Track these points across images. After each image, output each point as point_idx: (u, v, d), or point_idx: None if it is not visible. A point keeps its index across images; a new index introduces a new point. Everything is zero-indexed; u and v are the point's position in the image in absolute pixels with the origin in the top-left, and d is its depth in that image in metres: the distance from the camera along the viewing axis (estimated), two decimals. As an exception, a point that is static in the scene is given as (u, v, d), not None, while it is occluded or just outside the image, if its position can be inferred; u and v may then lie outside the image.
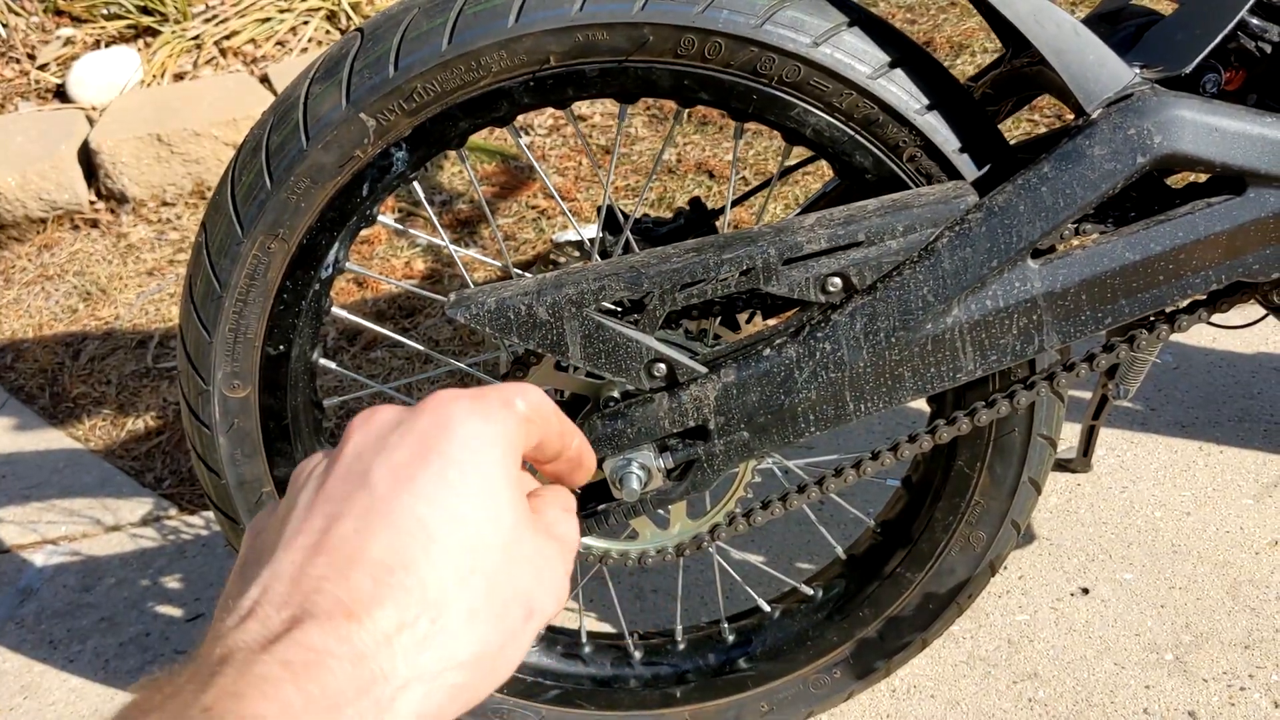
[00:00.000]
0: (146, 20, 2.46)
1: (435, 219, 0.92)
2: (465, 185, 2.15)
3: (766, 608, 1.01)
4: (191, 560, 1.35)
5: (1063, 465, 1.30)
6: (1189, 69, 0.75)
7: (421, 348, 1.01)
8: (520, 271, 0.89)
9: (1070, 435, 1.26)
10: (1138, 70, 0.76)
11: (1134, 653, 1.08)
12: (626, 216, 0.93)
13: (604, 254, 0.93)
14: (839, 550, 1.00)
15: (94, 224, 2.11)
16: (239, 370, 0.86)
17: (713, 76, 0.78)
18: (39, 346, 1.80)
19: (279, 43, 2.44)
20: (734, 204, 1.02)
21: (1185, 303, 0.80)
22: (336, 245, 0.84)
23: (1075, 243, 0.78)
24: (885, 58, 0.78)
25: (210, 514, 1.41)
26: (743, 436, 0.80)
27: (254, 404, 0.87)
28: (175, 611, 1.27)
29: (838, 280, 0.77)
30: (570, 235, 1.91)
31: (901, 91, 0.78)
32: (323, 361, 0.91)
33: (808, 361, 0.78)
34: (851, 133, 0.79)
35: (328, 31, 2.47)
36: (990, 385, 0.85)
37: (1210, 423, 1.35)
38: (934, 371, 0.79)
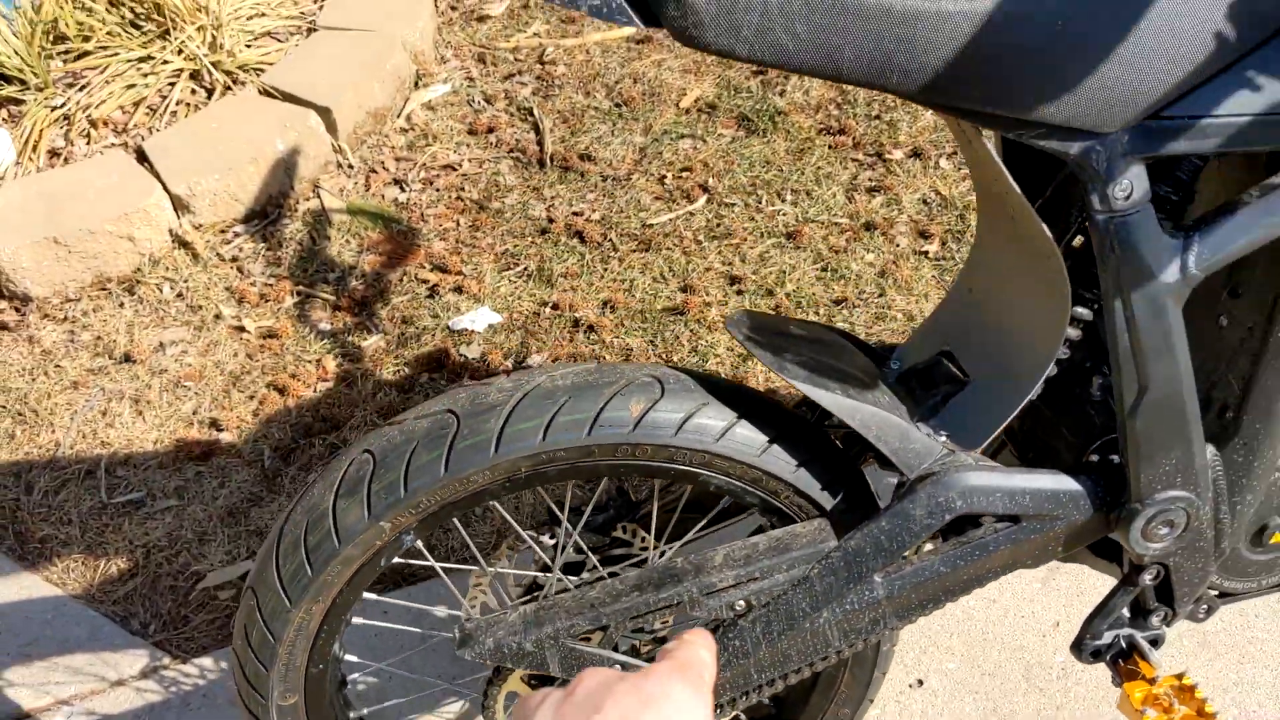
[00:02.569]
0: (7, 89, 2.49)
1: (435, 563, 1.16)
2: (353, 257, 2.33)
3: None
4: (197, 712, 1.60)
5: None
6: (979, 450, 1.06)
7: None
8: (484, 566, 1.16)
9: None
10: (942, 441, 1.06)
11: (957, 736, 1.46)
12: (560, 523, 1.18)
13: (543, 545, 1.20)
14: (741, 715, 1.33)
15: (3, 326, 2.22)
16: (289, 688, 1.12)
17: (643, 465, 1.05)
18: (-13, 478, 1.96)
19: (149, 108, 2.51)
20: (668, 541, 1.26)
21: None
22: (358, 592, 1.10)
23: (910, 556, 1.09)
24: (765, 439, 1.06)
25: (204, 662, 1.66)
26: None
27: (301, 706, 1.14)
28: (197, 766, 1.54)
29: (743, 603, 1.07)
30: (466, 322, 2.14)
31: (778, 459, 1.06)
32: (349, 658, 1.17)
33: (723, 653, 1.09)
34: (744, 486, 1.08)
35: (193, 91, 2.55)
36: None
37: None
38: (812, 651, 1.10)
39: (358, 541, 1.04)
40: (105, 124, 2.50)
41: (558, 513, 1.21)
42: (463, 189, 2.48)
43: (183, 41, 2.54)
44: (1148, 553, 1.08)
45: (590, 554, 1.17)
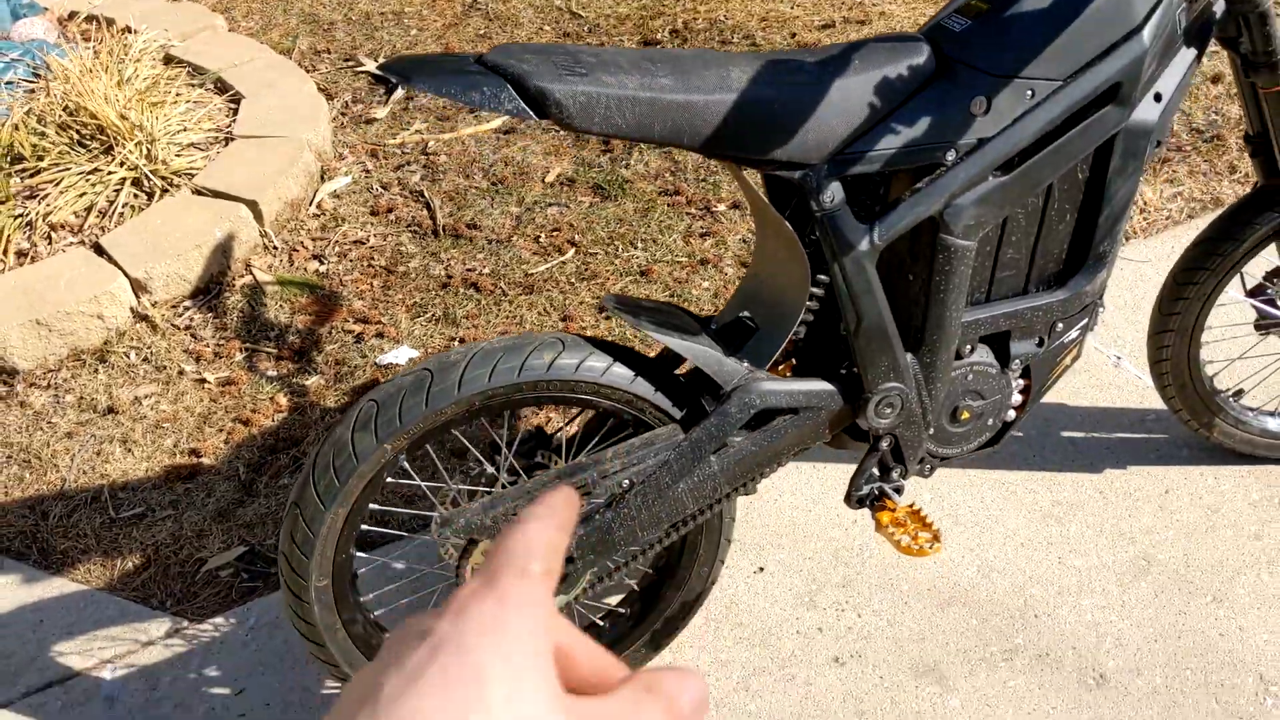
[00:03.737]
0: (-27, 204, 2.94)
1: (419, 481, 1.69)
2: (287, 318, 2.84)
3: (600, 622, 1.89)
4: (217, 655, 2.07)
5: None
6: (766, 367, 1.65)
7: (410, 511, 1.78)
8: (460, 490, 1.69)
9: (742, 477, 2.19)
10: (744, 366, 1.64)
11: (789, 601, 2.04)
12: (504, 446, 1.74)
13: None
14: (634, 585, 1.88)
15: (-5, 396, 2.66)
16: (322, 573, 1.63)
17: (555, 396, 1.61)
18: (6, 513, 2.39)
19: (99, 212, 2.99)
20: (573, 451, 1.83)
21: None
22: (368, 500, 1.62)
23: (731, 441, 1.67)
24: (632, 374, 1.63)
25: (216, 620, 2.13)
26: (590, 559, 1.66)
27: (330, 587, 1.65)
28: (225, 690, 2.00)
29: (627, 481, 1.63)
30: (390, 357, 2.67)
31: (643, 386, 1.63)
32: (358, 554, 1.69)
33: (616, 520, 1.64)
34: (621, 407, 1.64)
35: (135, 195, 3.04)
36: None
37: (819, 451, 2.32)
38: (675, 512, 1.67)
39: (370, 460, 1.56)
40: (63, 227, 2.97)
41: (499, 442, 1.76)
42: (372, 258, 3.02)
43: (124, 155, 3.04)
44: (880, 427, 1.69)
45: (523, 474, 1.72)
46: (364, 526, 1.70)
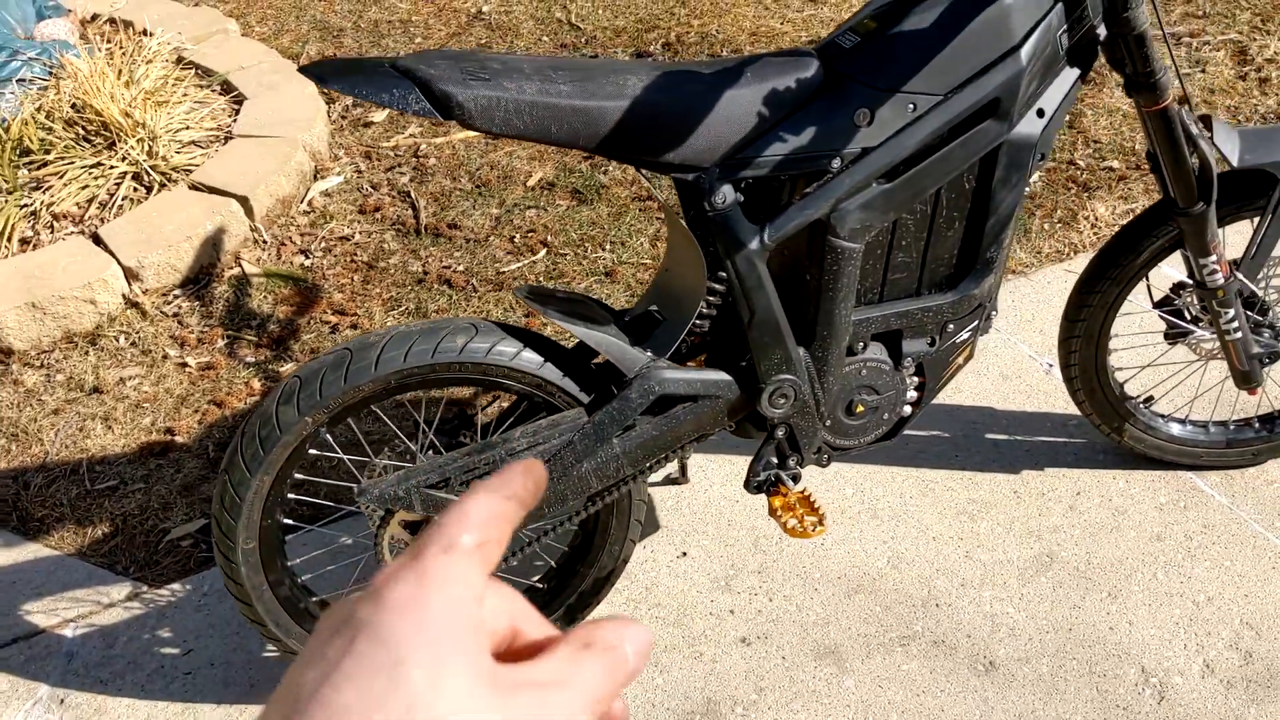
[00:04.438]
0: (-18, 194, 3.12)
1: (341, 454, 1.82)
2: (270, 308, 2.99)
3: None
4: (171, 618, 2.21)
5: (671, 481, 2.35)
6: (668, 355, 1.76)
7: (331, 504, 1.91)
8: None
9: (674, 463, 2.30)
10: (648, 354, 1.76)
11: (707, 585, 2.15)
12: (424, 425, 1.86)
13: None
14: (551, 562, 2.00)
15: (-9, 374, 2.82)
16: (249, 535, 1.76)
17: (467, 377, 1.73)
18: (-9, 482, 2.55)
19: (100, 204, 3.16)
20: (494, 427, 1.95)
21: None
22: (292, 469, 1.75)
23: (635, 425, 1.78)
24: (541, 359, 1.75)
25: (174, 585, 2.27)
26: (499, 531, 1.77)
27: (257, 549, 1.78)
28: (175, 650, 2.14)
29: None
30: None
31: (551, 371, 1.75)
32: (286, 521, 1.82)
33: (524, 495, 1.76)
34: (531, 390, 1.76)
35: (135, 189, 3.21)
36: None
37: (749, 446, 2.43)
38: (580, 491, 1.78)
39: (292, 431, 1.70)
40: (65, 217, 3.14)
41: (418, 417, 1.88)
42: (355, 254, 3.16)
43: (126, 151, 3.21)
44: (774, 416, 1.79)
45: (443, 451, 1.84)
46: (294, 497, 1.83)
